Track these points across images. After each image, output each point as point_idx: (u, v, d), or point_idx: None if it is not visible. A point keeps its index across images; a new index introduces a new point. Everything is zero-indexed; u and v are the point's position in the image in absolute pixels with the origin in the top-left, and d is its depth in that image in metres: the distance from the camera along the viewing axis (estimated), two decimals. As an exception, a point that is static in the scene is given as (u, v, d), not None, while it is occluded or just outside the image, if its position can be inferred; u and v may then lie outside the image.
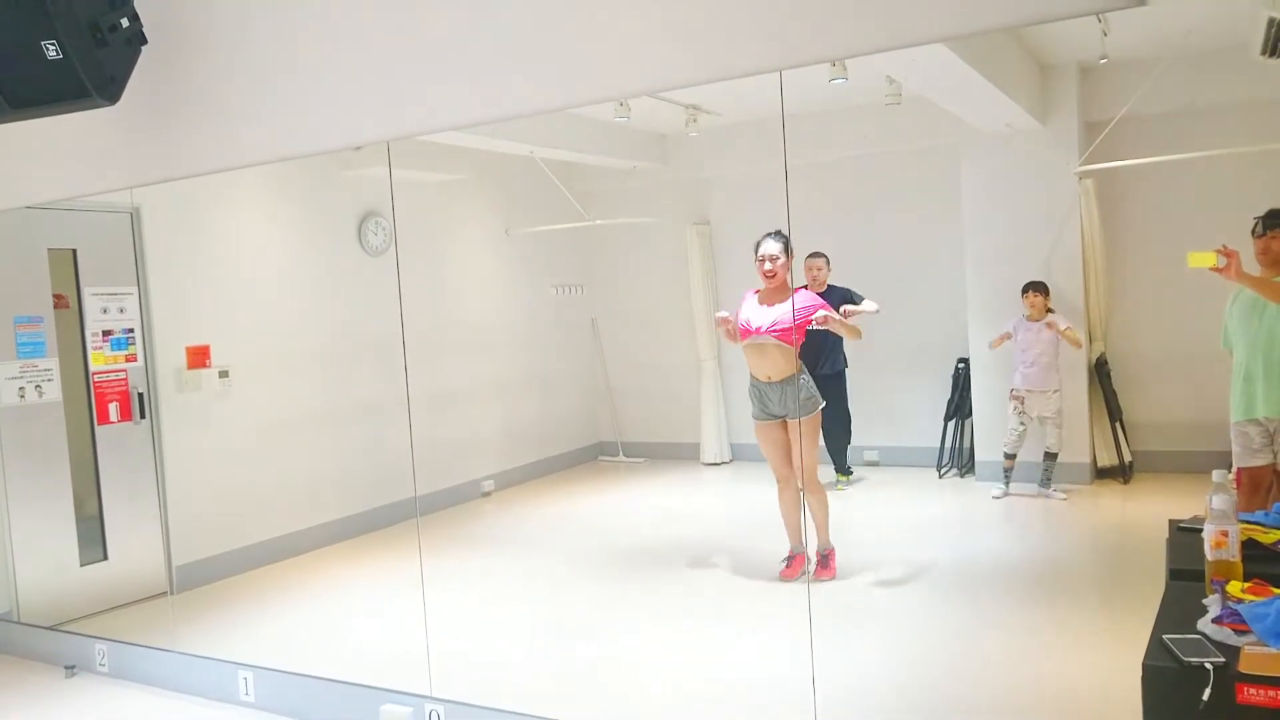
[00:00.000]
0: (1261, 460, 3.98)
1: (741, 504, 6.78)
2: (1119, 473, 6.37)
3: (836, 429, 6.46)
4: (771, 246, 4.68)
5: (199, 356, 5.28)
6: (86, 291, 4.94)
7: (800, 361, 4.73)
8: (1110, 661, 3.59)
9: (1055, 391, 6.15)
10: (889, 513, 6.30)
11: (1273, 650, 1.92)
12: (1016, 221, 6.57)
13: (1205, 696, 1.84)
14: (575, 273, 8.27)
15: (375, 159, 3.79)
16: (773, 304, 4.70)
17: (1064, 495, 6.09)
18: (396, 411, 4.12)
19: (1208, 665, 1.87)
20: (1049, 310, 6.19)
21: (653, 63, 2.85)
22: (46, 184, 4.27)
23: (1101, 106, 6.22)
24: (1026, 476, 6.23)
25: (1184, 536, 2.71)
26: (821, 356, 6.17)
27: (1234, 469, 4.06)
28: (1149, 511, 5.73)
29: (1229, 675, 1.86)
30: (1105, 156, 5.89)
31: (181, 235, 5.28)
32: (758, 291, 4.80)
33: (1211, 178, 5.90)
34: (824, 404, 4.83)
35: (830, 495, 4.97)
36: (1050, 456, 6.15)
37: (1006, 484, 6.22)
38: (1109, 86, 6.24)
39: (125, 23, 3.39)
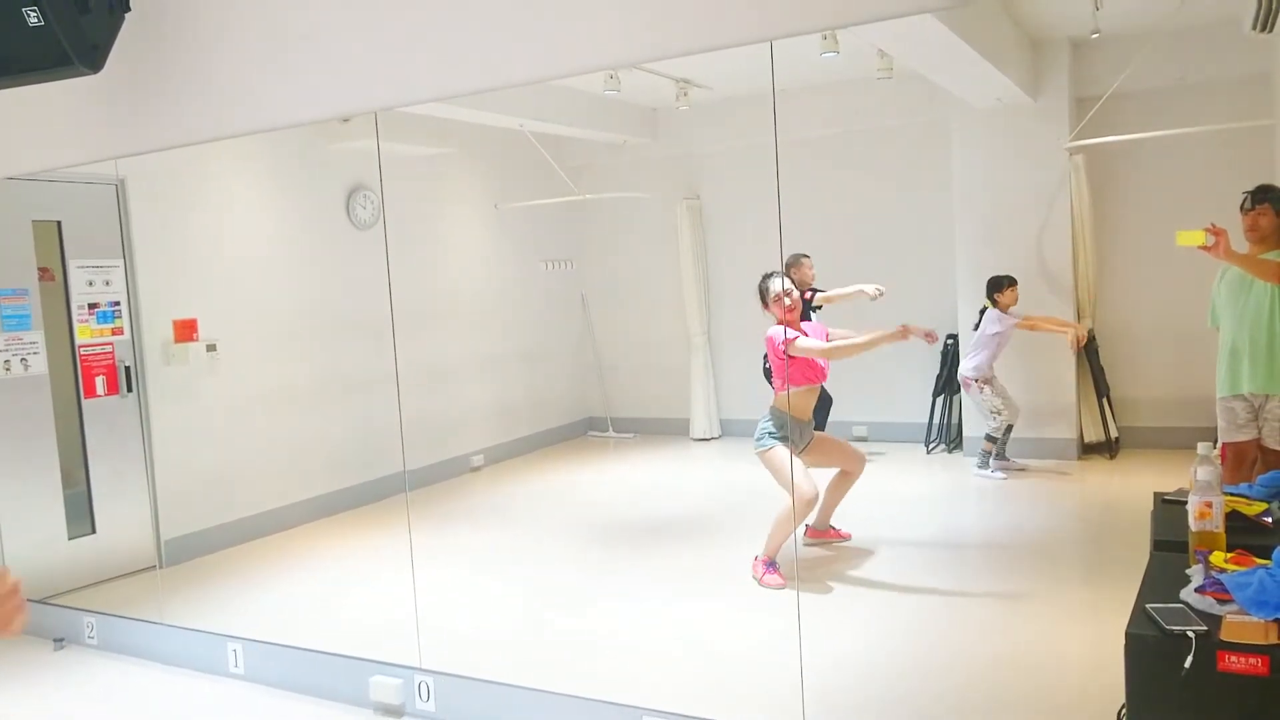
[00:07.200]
0: (1246, 435, 4.01)
1: (730, 479, 6.78)
2: (1105, 448, 6.41)
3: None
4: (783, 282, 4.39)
5: (186, 330, 5.25)
6: (72, 264, 4.89)
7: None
8: (1095, 631, 3.64)
9: None
10: (877, 488, 6.31)
11: (1254, 619, 1.94)
12: (1006, 197, 6.56)
13: (1187, 664, 1.86)
14: (565, 248, 8.23)
15: (362, 131, 3.75)
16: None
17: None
18: (385, 385, 4.10)
19: (1190, 633, 1.89)
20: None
21: (641, 33, 2.83)
22: (29, 155, 4.22)
23: (1093, 81, 6.21)
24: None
25: (1168, 509, 2.73)
26: None
27: (1219, 444, 4.08)
28: (1135, 487, 5.77)
29: (1211, 643, 1.87)
30: (1096, 132, 5.88)
31: (168, 207, 5.23)
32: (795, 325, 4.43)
33: (1202, 153, 5.90)
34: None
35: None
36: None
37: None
38: (1100, 61, 6.23)
39: (108, -11, 3.35)
